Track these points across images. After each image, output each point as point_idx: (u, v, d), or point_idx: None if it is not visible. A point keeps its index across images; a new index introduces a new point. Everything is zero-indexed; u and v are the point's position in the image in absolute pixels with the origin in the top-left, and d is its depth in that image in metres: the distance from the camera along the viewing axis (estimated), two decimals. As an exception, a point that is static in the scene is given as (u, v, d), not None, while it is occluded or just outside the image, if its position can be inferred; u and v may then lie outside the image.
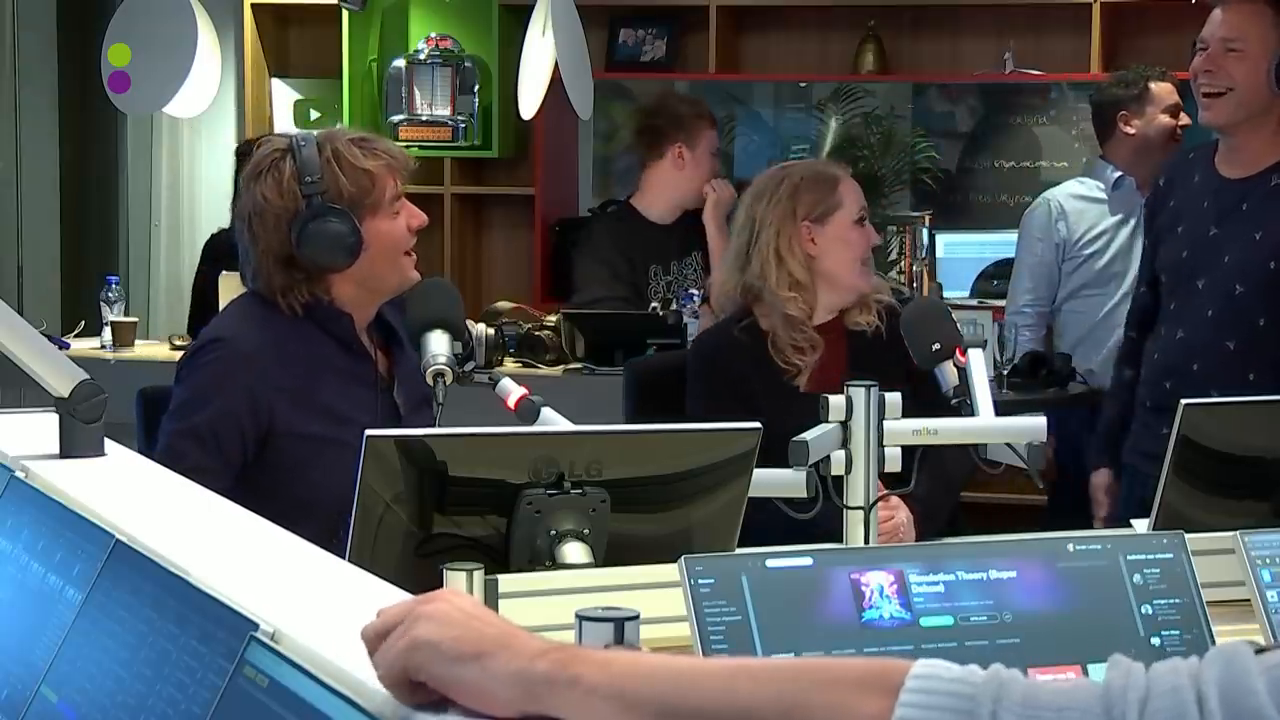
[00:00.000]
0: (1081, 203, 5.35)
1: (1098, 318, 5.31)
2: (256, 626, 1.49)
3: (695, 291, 5.18)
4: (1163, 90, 5.29)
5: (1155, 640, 2.02)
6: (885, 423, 2.66)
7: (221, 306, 5.35)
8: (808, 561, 1.92)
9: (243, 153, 6.01)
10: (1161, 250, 4.00)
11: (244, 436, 3.05)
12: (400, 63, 7.04)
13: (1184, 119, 5.27)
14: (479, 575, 2.01)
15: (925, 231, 6.06)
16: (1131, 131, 5.29)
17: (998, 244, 6.05)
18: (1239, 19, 3.80)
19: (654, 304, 5.26)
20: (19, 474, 2.20)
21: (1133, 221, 5.24)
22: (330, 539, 2.93)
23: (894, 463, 2.68)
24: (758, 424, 2.38)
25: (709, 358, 3.74)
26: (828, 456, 2.63)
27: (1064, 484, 4.64)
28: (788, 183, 3.65)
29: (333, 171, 3.08)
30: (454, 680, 1.29)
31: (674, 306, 5.22)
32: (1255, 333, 3.77)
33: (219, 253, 5.85)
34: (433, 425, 3.11)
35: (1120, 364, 4.15)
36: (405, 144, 7.03)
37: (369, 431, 2.21)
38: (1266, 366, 3.75)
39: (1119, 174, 5.31)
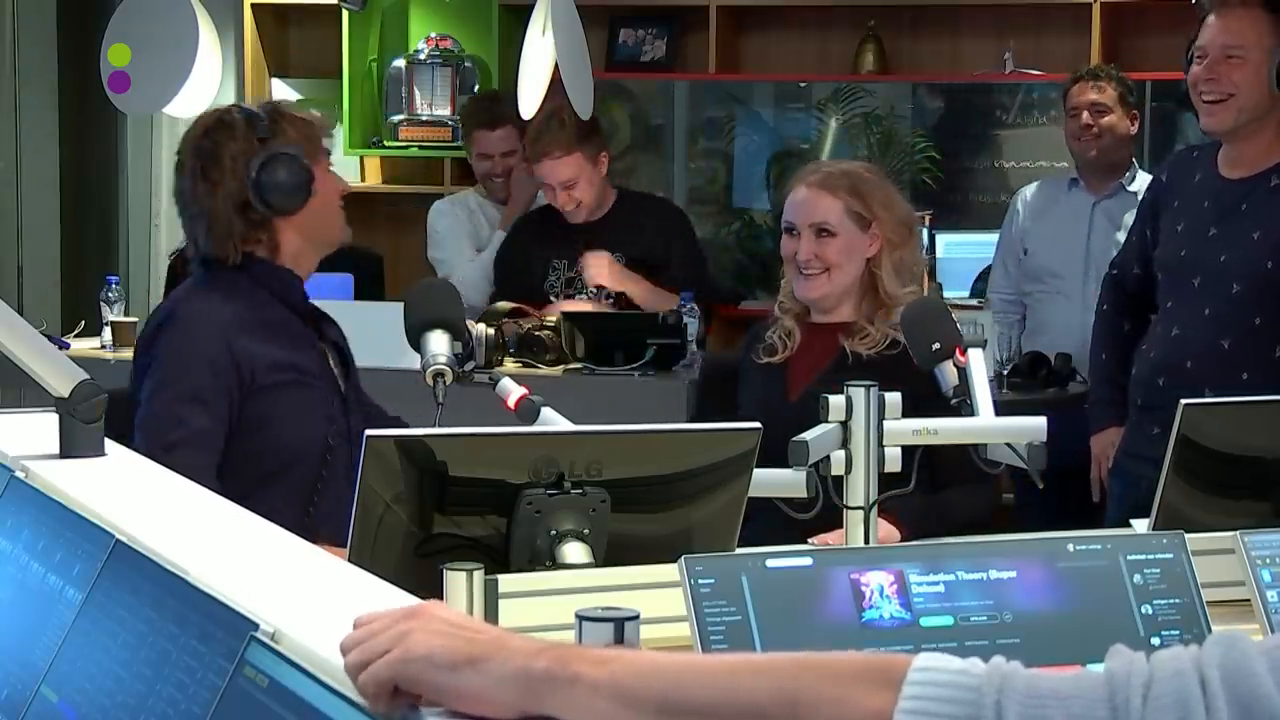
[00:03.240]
0: (1041, 197, 5.49)
1: (1034, 313, 5.40)
2: (256, 626, 1.49)
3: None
4: (1071, 93, 5.39)
5: (1155, 640, 2.02)
6: (885, 423, 2.66)
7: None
8: (808, 561, 1.92)
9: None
10: (1160, 249, 4.02)
11: (231, 394, 3.15)
12: (400, 63, 7.04)
13: (1085, 117, 5.33)
14: (479, 575, 2.01)
15: (925, 231, 6.05)
16: (1065, 138, 5.47)
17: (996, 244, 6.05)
18: (1237, 25, 3.81)
19: (550, 296, 5.44)
20: (19, 474, 2.20)
21: (1075, 224, 5.30)
22: (308, 503, 3.07)
23: (894, 463, 2.68)
24: (758, 424, 2.38)
25: (746, 341, 3.83)
26: (828, 456, 2.63)
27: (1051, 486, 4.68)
28: None
29: (279, 122, 3.24)
30: (451, 688, 1.29)
31: (577, 299, 5.40)
32: (1251, 332, 3.78)
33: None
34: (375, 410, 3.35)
35: (1097, 348, 4.26)
36: (405, 144, 7.05)
37: (369, 431, 2.22)
38: (1260, 366, 3.76)
39: (1075, 177, 5.42)
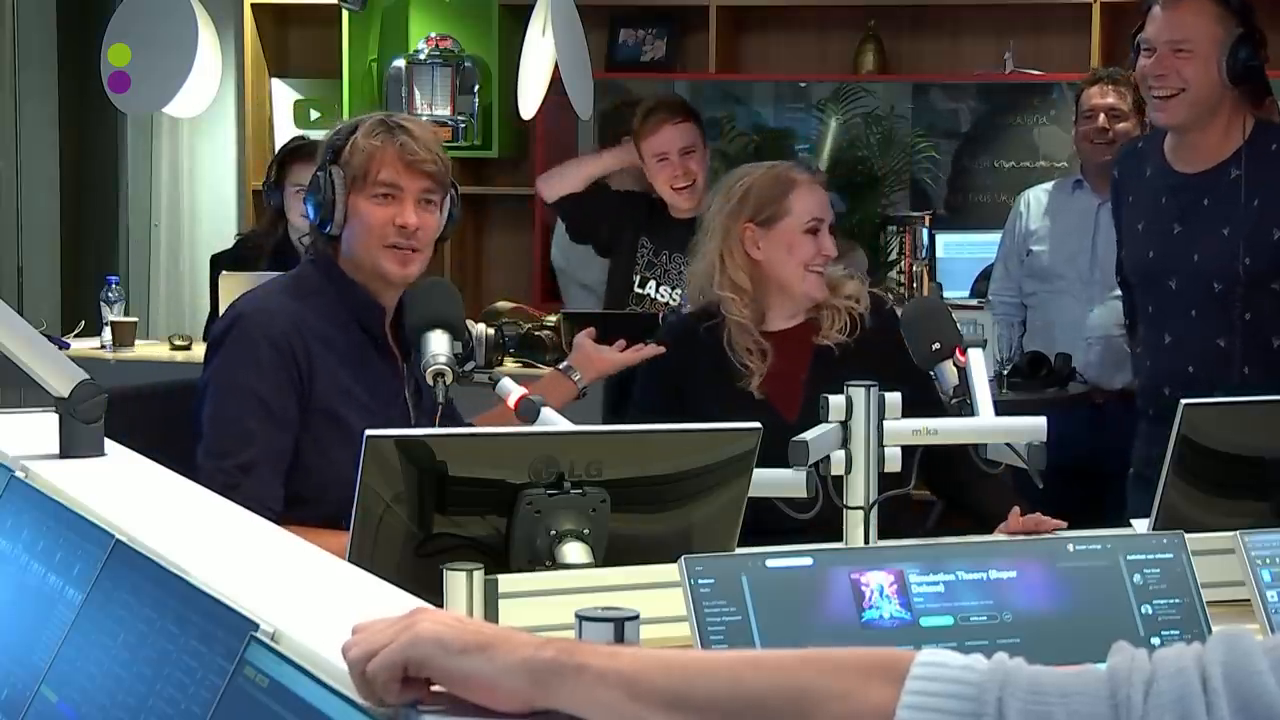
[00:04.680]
0: (1046, 199, 5.42)
1: (1040, 314, 5.34)
2: (256, 626, 1.49)
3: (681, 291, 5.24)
4: (1089, 94, 5.29)
5: (1155, 640, 2.02)
6: (885, 423, 2.66)
7: (222, 309, 5.37)
8: (808, 561, 1.92)
9: None
10: (1126, 249, 3.96)
11: (298, 397, 3.01)
12: (400, 63, 7.04)
13: (1101, 120, 5.26)
14: (479, 575, 2.01)
15: (925, 231, 6.05)
16: (1075, 138, 5.38)
17: (997, 244, 6.06)
18: (1184, 18, 3.71)
19: (636, 277, 5.37)
20: (19, 474, 2.20)
21: (1081, 225, 5.27)
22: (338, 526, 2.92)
23: (894, 462, 2.68)
24: (758, 424, 2.38)
25: (668, 345, 3.71)
26: (828, 456, 2.63)
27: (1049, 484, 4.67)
28: (741, 185, 3.62)
29: (346, 141, 3.14)
30: (460, 673, 1.30)
31: (648, 289, 5.33)
32: (1242, 328, 3.72)
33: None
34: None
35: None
36: (405, 144, 7.03)
37: (369, 431, 2.22)
38: (1259, 360, 3.72)
39: (1079, 178, 5.36)
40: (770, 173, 3.65)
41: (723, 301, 3.56)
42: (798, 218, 3.56)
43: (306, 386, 3.03)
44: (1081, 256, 5.25)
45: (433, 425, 3.13)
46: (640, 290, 5.39)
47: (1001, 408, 2.91)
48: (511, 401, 2.75)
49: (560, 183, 5.54)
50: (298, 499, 3.02)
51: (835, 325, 3.53)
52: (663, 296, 5.37)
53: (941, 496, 3.61)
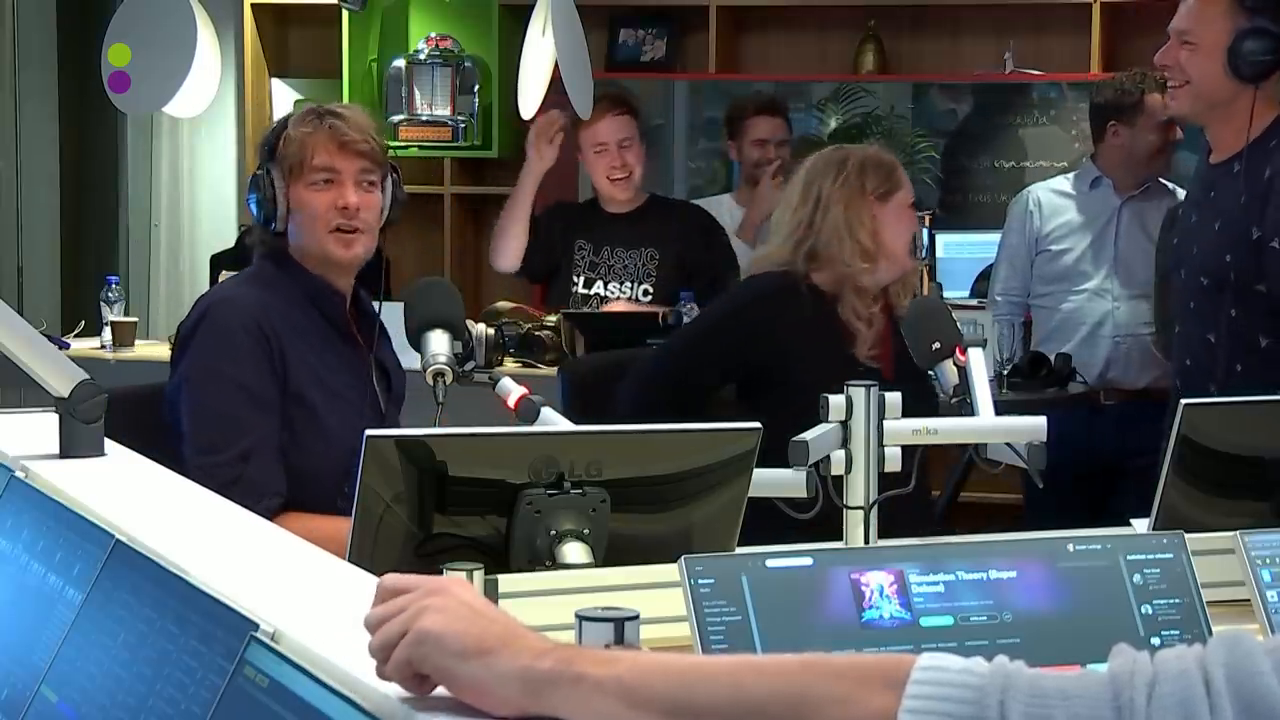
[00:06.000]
0: (1059, 198, 5.35)
1: (1061, 314, 5.29)
2: (256, 626, 1.49)
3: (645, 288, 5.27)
4: (1158, 104, 5.09)
5: (1155, 640, 2.02)
6: (885, 422, 2.66)
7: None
8: (808, 561, 1.91)
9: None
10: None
11: (275, 381, 3.04)
12: (400, 63, 7.04)
13: (1178, 134, 5.20)
14: (479, 575, 2.01)
15: (925, 232, 6.04)
16: (1118, 142, 5.25)
17: (998, 244, 6.05)
18: (1190, 10, 3.71)
19: (579, 279, 5.41)
20: (19, 474, 2.20)
21: (1103, 223, 5.23)
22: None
23: (894, 462, 2.68)
24: (757, 424, 2.38)
25: (768, 295, 3.72)
26: (828, 456, 2.62)
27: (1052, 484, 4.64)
28: (853, 160, 3.73)
29: (279, 136, 3.19)
30: (457, 675, 1.30)
31: (595, 289, 5.38)
32: (1230, 324, 3.70)
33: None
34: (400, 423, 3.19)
35: None
36: (405, 144, 7.04)
37: (369, 431, 2.21)
38: (1249, 358, 3.70)
39: (1098, 175, 5.30)
40: (875, 151, 3.83)
41: (855, 272, 3.64)
42: (907, 193, 3.75)
43: (281, 371, 3.07)
44: (1105, 254, 5.22)
45: (400, 408, 3.22)
46: (586, 291, 5.41)
47: (1001, 408, 2.91)
48: (511, 402, 2.75)
49: (508, 243, 5.51)
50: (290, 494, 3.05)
51: (905, 296, 3.72)
52: (613, 293, 5.39)
53: None
